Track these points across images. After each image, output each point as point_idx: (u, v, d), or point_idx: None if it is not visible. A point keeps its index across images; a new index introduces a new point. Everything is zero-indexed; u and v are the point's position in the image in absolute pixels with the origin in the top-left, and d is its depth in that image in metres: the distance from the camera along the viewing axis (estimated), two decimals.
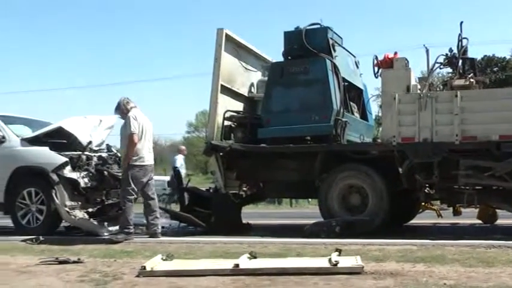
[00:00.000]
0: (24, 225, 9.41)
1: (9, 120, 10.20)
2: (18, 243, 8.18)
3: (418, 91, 9.20)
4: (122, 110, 8.69)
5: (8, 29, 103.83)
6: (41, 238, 8.33)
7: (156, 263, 5.86)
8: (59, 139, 9.70)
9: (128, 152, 8.47)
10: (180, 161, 17.05)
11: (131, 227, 8.49)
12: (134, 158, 8.52)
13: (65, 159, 9.32)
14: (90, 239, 8.54)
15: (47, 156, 9.29)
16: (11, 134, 9.77)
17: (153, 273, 5.54)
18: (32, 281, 5.55)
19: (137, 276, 5.50)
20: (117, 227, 9.59)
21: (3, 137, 9.62)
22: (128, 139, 8.46)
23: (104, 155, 10.26)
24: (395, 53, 9.73)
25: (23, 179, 9.39)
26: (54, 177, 9.15)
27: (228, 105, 10.42)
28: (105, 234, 9.11)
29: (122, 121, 10.47)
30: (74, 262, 6.37)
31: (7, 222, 10.40)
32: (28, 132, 9.98)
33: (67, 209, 9.08)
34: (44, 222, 9.31)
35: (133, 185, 8.50)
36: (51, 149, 9.44)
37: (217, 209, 9.81)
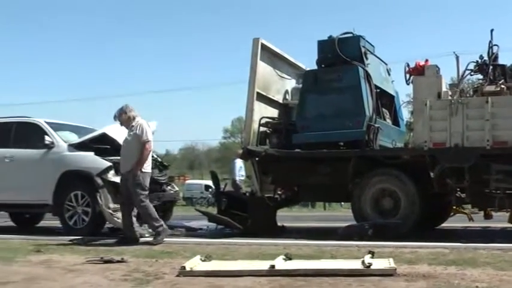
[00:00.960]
0: (71, 226, 9.59)
1: (57, 127, 10.41)
2: (66, 243, 8.30)
3: (449, 97, 9.11)
4: (129, 117, 8.48)
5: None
6: (87, 238, 8.46)
7: (196, 264, 5.88)
8: (103, 145, 9.85)
9: (141, 159, 8.27)
10: (239, 163, 17.09)
11: (162, 223, 8.40)
12: (147, 164, 8.44)
13: (108, 163, 9.45)
14: None
15: (92, 161, 9.45)
16: (59, 140, 9.97)
17: (192, 273, 5.55)
18: (80, 278, 5.63)
19: (177, 275, 5.52)
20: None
21: (52, 143, 9.81)
22: (144, 146, 8.29)
23: None
24: (427, 60, 9.65)
25: (70, 183, 9.57)
26: (99, 180, 9.29)
27: (264, 112, 10.45)
28: (146, 235, 9.19)
29: (153, 127, 10.59)
30: (118, 262, 6.42)
31: (56, 223, 10.62)
32: (75, 138, 10.17)
33: (111, 211, 9.19)
34: (90, 223, 9.47)
35: (145, 190, 8.39)
36: (96, 154, 9.60)
37: (254, 212, 9.81)
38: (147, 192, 8.44)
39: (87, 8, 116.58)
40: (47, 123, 10.37)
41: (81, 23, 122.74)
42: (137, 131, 8.35)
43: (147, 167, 8.45)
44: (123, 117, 8.47)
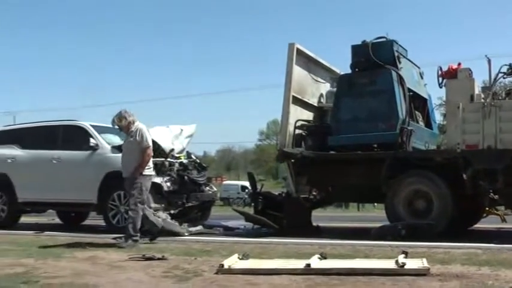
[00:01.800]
0: (114, 224, 9.72)
1: (101, 129, 10.57)
2: (110, 240, 8.40)
3: (482, 100, 8.98)
4: (129, 122, 8.22)
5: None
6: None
7: (233, 262, 5.90)
8: None
9: (142, 163, 8.11)
10: None
11: (138, 234, 8.09)
12: (146, 168, 8.26)
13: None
14: (172, 239, 8.68)
15: None
16: (103, 142, 10.13)
17: (230, 271, 5.57)
18: (123, 275, 5.71)
19: (216, 273, 5.54)
20: (197, 228, 9.80)
21: (97, 145, 9.98)
22: (145, 152, 8.13)
23: (185, 161, 10.47)
24: (459, 64, 9.53)
25: (113, 183, 9.65)
26: None
27: (299, 115, 10.45)
28: (186, 234, 9.27)
29: (192, 130, 10.68)
30: (159, 259, 6.48)
31: (100, 221, 10.79)
32: (118, 141, 10.28)
33: (152, 210, 9.29)
34: None
35: (142, 195, 8.19)
36: None
37: (289, 212, 9.82)
38: (144, 198, 8.24)
39: (131, 14, 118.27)
40: (92, 126, 10.55)
41: (122, 28, 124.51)
42: (137, 137, 8.15)
43: (149, 170, 8.29)
44: (123, 122, 8.22)
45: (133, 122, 8.24)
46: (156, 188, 9.48)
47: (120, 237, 8.07)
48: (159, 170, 9.68)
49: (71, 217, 12.63)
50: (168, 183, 9.68)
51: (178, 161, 10.30)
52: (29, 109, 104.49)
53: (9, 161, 11.19)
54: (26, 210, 11.61)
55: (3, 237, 9.26)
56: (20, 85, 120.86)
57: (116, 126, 8.44)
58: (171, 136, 10.46)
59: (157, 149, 10.07)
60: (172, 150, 10.25)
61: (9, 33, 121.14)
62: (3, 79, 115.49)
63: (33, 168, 10.83)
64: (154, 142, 9.95)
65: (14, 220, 11.47)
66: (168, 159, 9.99)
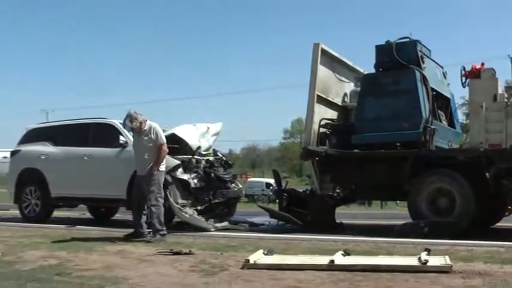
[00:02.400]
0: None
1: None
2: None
3: (505, 100, 8.86)
4: (140, 122, 8.24)
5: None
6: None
7: (259, 257, 5.92)
8: (172, 144, 10.01)
9: (159, 159, 8.21)
10: None
11: (164, 230, 8.19)
12: (162, 164, 8.36)
13: (177, 162, 9.62)
14: (198, 234, 8.75)
15: None
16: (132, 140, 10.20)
17: (255, 266, 5.60)
18: (151, 268, 5.77)
19: (241, 268, 5.57)
20: (223, 224, 9.84)
21: (126, 142, 10.02)
22: (161, 148, 8.24)
23: (211, 158, 10.51)
24: (483, 64, 9.41)
25: None
26: (168, 178, 9.42)
27: (323, 114, 10.42)
28: (212, 230, 9.31)
29: (218, 128, 10.71)
30: (186, 254, 6.54)
31: (129, 216, 10.88)
32: None
33: (179, 206, 9.35)
34: None
35: (161, 190, 8.30)
36: None
37: (313, 209, 9.81)
38: (162, 193, 8.36)
39: (160, 21, 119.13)
40: (122, 124, 10.63)
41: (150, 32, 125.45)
42: (152, 135, 8.23)
43: (163, 166, 8.37)
44: (135, 123, 8.24)
45: (145, 121, 8.31)
46: (183, 184, 9.55)
47: (147, 238, 8.08)
48: (187, 167, 9.73)
49: (101, 212, 12.77)
50: (195, 180, 9.72)
51: (205, 158, 10.34)
52: (62, 107, 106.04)
53: (42, 157, 11.37)
54: (58, 204, 11.78)
55: (37, 231, 9.43)
56: (54, 84, 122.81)
57: (128, 128, 8.51)
58: (197, 134, 10.50)
59: (185, 147, 10.16)
60: (199, 147, 10.30)
61: (48, 35, 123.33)
62: (40, 79, 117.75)
63: (66, 165, 10.98)
64: (181, 140, 10.06)
65: (47, 214, 11.64)
66: (195, 157, 10.03)
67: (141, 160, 8.34)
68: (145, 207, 8.41)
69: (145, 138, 8.27)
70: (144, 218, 8.50)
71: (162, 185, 8.36)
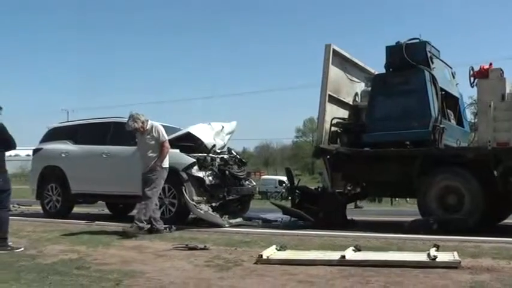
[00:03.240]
0: (160, 216, 9.82)
1: None
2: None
3: None
4: (143, 122, 8.39)
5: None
6: (174, 227, 8.65)
7: (272, 253, 5.93)
8: (187, 143, 10.04)
9: (162, 156, 8.35)
10: None
11: (146, 224, 8.22)
12: (165, 161, 8.47)
13: (193, 160, 9.63)
14: (213, 230, 8.75)
15: (178, 157, 9.58)
16: None
17: (269, 261, 5.60)
18: (168, 263, 5.80)
19: (255, 263, 5.58)
20: (237, 220, 9.85)
21: None
22: (164, 145, 8.37)
23: (226, 156, 10.52)
24: (491, 64, 9.33)
25: None
26: (184, 175, 9.48)
27: (335, 113, 10.40)
28: (226, 226, 9.32)
29: (233, 127, 10.72)
30: (201, 249, 6.56)
31: None
32: None
33: (194, 203, 9.37)
34: (175, 213, 9.64)
35: (159, 186, 8.44)
36: (181, 151, 9.77)
37: (325, 205, 9.78)
38: (160, 189, 8.52)
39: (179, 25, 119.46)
40: None
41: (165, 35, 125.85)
42: (154, 133, 8.38)
43: (166, 163, 8.49)
44: (138, 124, 8.37)
45: (146, 121, 8.46)
46: (198, 181, 9.57)
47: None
48: (202, 165, 9.75)
49: (120, 208, 12.83)
50: (210, 178, 9.73)
51: (220, 156, 10.35)
52: (82, 107, 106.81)
53: (63, 155, 11.46)
54: (78, 201, 11.85)
55: (58, 226, 9.50)
56: (74, 85, 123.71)
57: (131, 129, 8.51)
58: (212, 133, 10.50)
59: (200, 145, 10.17)
60: (214, 146, 10.31)
61: (69, 38, 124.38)
62: (61, 79, 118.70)
63: (85, 162, 11.05)
64: (197, 138, 10.08)
65: (68, 210, 11.73)
66: (210, 155, 10.05)
67: (145, 158, 8.45)
68: (157, 201, 8.56)
69: (148, 137, 8.42)
70: (158, 213, 8.58)
71: (162, 182, 8.51)
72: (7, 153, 7.03)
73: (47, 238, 7.95)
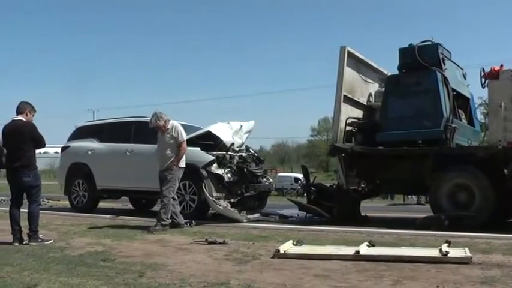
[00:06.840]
0: (180, 211, 9.85)
1: None
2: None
3: None
4: (165, 121, 8.41)
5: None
6: (194, 222, 8.68)
7: (288, 247, 5.92)
8: (207, 141, 10.06)
9: (179, 155, 8.31)
10: None
11: (169, 220, 8.23)
12: (182, 161, 8.44)
13: (212, 157, 9.66)
14: (232, 225, 8.77)
15: (198, 155, 9.63)
16: None
17: (285, 256, 5.59)
18: (188, 256, 5.82)
19: (272, 257, 5.57)
20: (255, 215, 9.85)
21: None
22: (182, 145, 8.34)
23: (244, 154, 10.52)
24: (501, 65, 9.21)
25: None
26: (204, 172, 9.51)
27: (350, 113, 10.34)
28: (244, 221, 9.33)
29: (250, 126, 10.71)
30: (220, 243, 6.56)
31: None
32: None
33: (214, 199, 9.39)
34: (196, 209, 9.69)
35: (176, 185, 8.42)
36: (201, 149, 9.81)
37: (340, 202, 9.76)
38: (176, 188, 8.48)
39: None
40: None
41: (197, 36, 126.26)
42: (174, 133, 8.37)
43: (182, 162, 8.46)
44: (160, 122, 8.39)
45: (168, 121, 8.48)
46: (218, 178, 9.59)
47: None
48: (221, 162, 9.76)
49: (142, 203, 12.90)
50: (229, 175, 9.74)
51: (238, 154, 10.36)
52: (107, 107, 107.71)
53: (89, 152, 11.56)
54: (103, 196, 11.96)
55: (84, 220, 9.60)
56: (100, 85, 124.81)
57: (154, 127, 8.53)
58: (231, 132, 10.51)
59: (219, 144, 10.19)
60: (232, 144, 10.32)
61: (95, 40, 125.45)
62: (88, 80, 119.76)
63: (110, 159, 11.14)
64: (216, 137, 10.09)
65: (94, 205, 11.84)
66: (229, 153, 10.06)
67: (162, 156, 8.44)
68: (176, 197, 8.59)
69: (168, 136, 8.42)
70: (178, 208, 8.61)
71: (178, 181, 8.49)
72: (37, 151, 7.11)
73: (75, 231, 8.03)
